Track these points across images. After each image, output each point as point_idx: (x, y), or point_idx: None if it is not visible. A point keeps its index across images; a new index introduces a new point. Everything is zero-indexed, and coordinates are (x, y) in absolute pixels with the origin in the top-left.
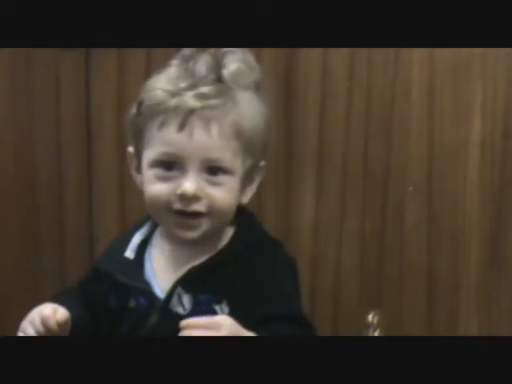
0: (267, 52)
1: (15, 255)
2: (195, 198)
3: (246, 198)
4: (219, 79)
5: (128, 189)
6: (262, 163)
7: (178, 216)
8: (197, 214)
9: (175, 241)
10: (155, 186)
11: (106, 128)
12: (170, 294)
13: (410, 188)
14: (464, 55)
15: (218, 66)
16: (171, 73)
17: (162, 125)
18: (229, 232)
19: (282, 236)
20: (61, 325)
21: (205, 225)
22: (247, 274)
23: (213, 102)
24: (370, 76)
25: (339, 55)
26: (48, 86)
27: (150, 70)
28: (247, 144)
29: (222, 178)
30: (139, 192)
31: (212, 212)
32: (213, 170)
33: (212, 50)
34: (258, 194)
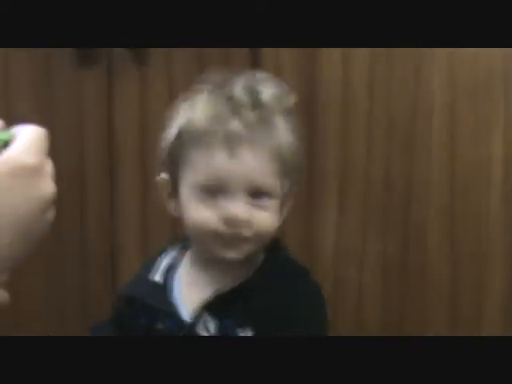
0: (288, 75)
1: (38, 280)
2: (245, 223)
3: (278, 223)
4: (259, 104)
5: (150, 212)
6: (295, 187)
7: (225, 239)
8: (244, 239)
9: (202, 263)
10: (200, 212)
11: (129, 151)
12: (196, 319)
13: (432, 211)
14: (484, 73)
15: (255, 91)
16: (208, 98)
17: (207, 150)
18: (258, 257)
19: (305, 258)
20: None
21: (249, 247)
22: (274, 300)
23: (256, 127)
24: (390, 96)
25: (359, 76)
26: (70, 110)
27: (172, 94)
28: (286, 167)
29: (265, 201)
30: (161, 216)
31: (258, 236)
32: (257, 193)
33: (241, 73)
34: None
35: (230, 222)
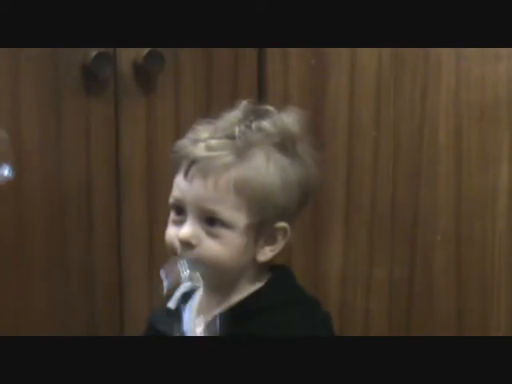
0: (294, 101)
1: (42, 312)
2: (190, 245)
3: (262, 257)
4: (236, 134)
5: (158, 236)
6: (282, 224)
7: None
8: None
9: (204, 289)
10: (168, 229)
11: (136, 178)
12: None
13: (438, 238)
14: (490, 100)
15: (241, 121)
16: (205, 122)
17: (178, 170)
18: (251, 286)
19: (311, 285)
20: None
21: (206, 275)
22: (270, 326)
23: (215, 154)
24: (396, 124)
25: (366, 102)
26: (78, 135)
27: (179, 121)
28: (252, 201)
29: (220, 230)
30: None
31: (202, 262)
32: (211, 220)
33: (249, 106)
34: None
35: (180, 242)
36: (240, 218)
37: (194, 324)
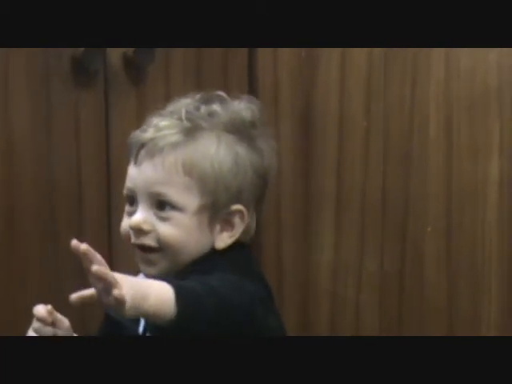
0: (285, 93)
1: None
2: (142, 232)
3: (221, 243)
4: (184, 117)
5: None
6: (237, 207)
7: (137, 250)
8: (149, 249)
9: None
10: (123, 222)
11: (126, 168)
12: (144, 331)
13: (429, 229)
14: (480, 90)
15: (191, 105)
16: (153, 115)
17: (130, 160)
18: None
19: (301, 275)
20: (51, 312)
21: (161, 261)
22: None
23: (162, 133)
24: (386, 115)
25: (356, 94)
26: (68, 127)
27: None
28: (203, 182)
29: (170, 213)
30: None
31: (162, 248)
32: (161, 204)
33: (202, 94)
34: (276, 234)
35: (132, 230)
36: (190, 200)
37: None
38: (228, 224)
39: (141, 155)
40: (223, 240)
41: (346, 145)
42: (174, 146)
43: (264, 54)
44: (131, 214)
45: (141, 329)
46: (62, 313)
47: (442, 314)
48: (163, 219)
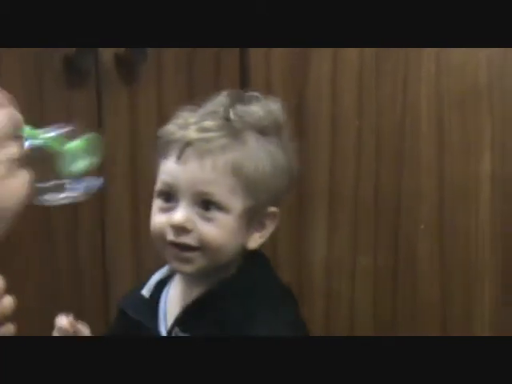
0: (277, 92)
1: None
2: (184, 230)
3: (253, 243)
4: (227, 117)
5: (143, 231)
6: (272, 209)
7: (172, 248)
8: (188, 247)
9: (185, 280)
10: (155, 218)
11: (119, 169)
12: (169, 334)
13: (422, 226)
14: (470, 88)
15: (230, 105)
16: (188, 109)
17: (166, 156)
18: (231, 271)
19: (295, 273)
20: (73, 324)
21: (198, 260)
22: (241, 310)
23: (210, 135)
24: (379, 113)
25: (348, 93)
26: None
27: (161, 111)
28: (248, 184)
29: (214, 213)
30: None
31: (203, 247)
32: (206, 204)
33: (235, 92)
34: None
35: (173, 228)
36: (235, 202)
37: (170, 315)
38: (260, 225)
39: (186, 153)
40: (255, 240)
41: (339, 143)
42: (224, 148)
43: (256, 51)
44: (167, 210)
45: (163, 329)
46: (59, 313)
47: (435, 310)
48: (207, 219)
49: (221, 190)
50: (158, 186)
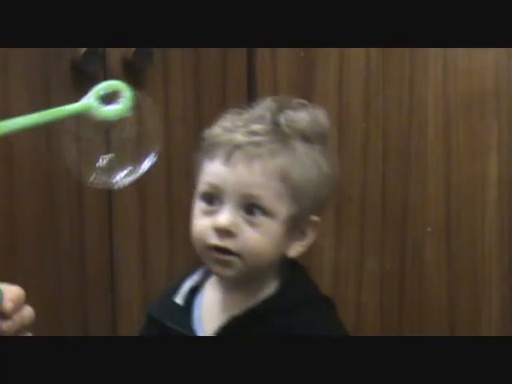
0: (284, 92)
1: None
2: (229, 234)
3: (293, 252)
4: (276, 122)
5: (149, 233)
6: (314, 218)
7: (214, 252)
8: (229, 251)
9: (224, 286)
10: (198, 221)
11: None
12: None
13: (429, 229)
14: (477, 91)
15: (278, 111)
16: (235, 113)
17: (211, 158)
18: (274, 283)
19: None
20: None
21: (239, 264)
22: (291, 326)
23: (259, 139)
24: (385, 116)
25: (355, 95)
26: None
27: (168, 114)
28: (294, 190)
29: (259, 218)
30: (160, 239)
31: (244, 254)
32: (251, 209)
33: (279, 98)
34: None
35: (214, 231)
36: (281, 208)
37: (207, 323)
38: (301, 233)
39: (235, 156)
40: (296, 249)
41: (346, 146)
42: (273, 152)
43: (263, 56)
44: (210, 213)
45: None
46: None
47: (442, 314)
48: (252, 224)
49: (268, 195)
50: (202, 187)
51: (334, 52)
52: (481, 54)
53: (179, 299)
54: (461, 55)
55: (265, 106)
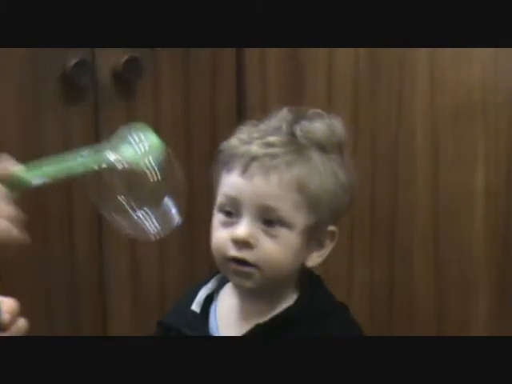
0: (274, 94)
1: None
2: (247, 245)
3: (311, 262)
4: (292, 133)
5: (140, 251)
6: (332, 228)
7: (233, 263)
8: (248, 263)
9: (242, 295)
10: (217, 233)
11: None
12: None
13: (417, 239)
14: (464, 102)
15: (294, 121)
16: (252, 124)
17: (229, 170)
18: (294, 293)
19: None
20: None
21: (258, 275)
22: (324, 330)
23: (275, 150)
24: (374, 128)
25: (343, 107)
26: (58, 143)
27: (158, 125)
28: (312, 201)
29: (278, 230)
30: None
31: (262, 265)
32: (270, 220)
33: (295, 108)
34: None
35: (233, 242)
36: (299, 218)
37: (224, 330)
38: (319, 244)
39: (252, 168)
40: (314, 259)
41: None
42: (289, 163)
43: (252, 69)
44: (229, 225)
45: None
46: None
47: (431, 324)
48: (270, 235)
49: (286, 206)
50: (220, 199)
51: (321, 65)
52: (467, 65)
53: (196, 307)
54: (448, 68)
55: (281, 117)
